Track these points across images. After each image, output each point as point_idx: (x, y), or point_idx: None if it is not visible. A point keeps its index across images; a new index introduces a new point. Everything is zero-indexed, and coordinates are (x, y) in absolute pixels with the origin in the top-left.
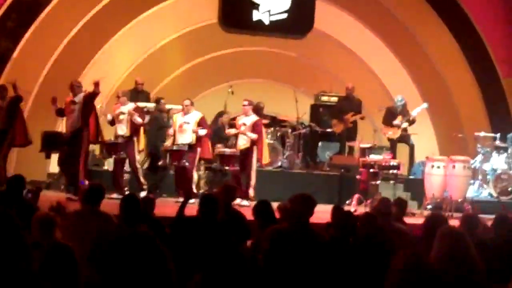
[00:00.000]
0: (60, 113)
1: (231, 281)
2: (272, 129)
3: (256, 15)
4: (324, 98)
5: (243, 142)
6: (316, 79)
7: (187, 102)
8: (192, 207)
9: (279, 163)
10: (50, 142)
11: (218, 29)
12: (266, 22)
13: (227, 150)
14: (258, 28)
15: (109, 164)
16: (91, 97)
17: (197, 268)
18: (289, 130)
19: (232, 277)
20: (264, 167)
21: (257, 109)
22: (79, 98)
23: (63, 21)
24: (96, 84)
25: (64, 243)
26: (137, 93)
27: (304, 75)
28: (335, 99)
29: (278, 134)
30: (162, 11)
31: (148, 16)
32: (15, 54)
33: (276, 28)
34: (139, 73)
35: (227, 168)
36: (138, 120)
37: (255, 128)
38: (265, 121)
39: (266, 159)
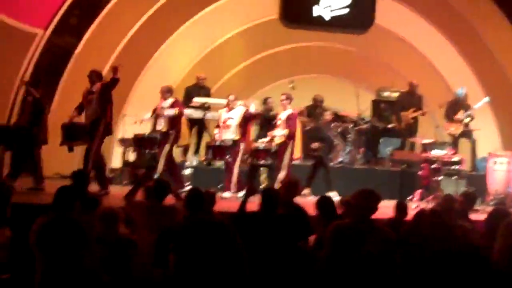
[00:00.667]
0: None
1: (291, 275)
2: (333, 124)
3: (316, 11)
4: (385, 94)
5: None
6: (377, 74)
7: (231, 97)
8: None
9: (341, 159)
10: (70, 134)
11: (279, 24)
12: (327, 18)
13: (261, 145)
14: (319, 23)
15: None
16: (109, 86)
17: (258, 263)
18: (350, 126)
19: (292, 272)
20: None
21: (315, 102)
22: (96, 87)
23: (125, 17)
24: (115, 70)
25: (128, 237)
26: (198, 89)
27: (365, 71)
28: (396, 94)
29: (339, 129)
30: (223, 7)
31: (209, 12)
32: (77, 50)
33: (337, 24)
34: (200, 69)
35: (260, 162)
36: (169, 112)
37: (288, 121)
38: (329, 117)
39: (297, 153)
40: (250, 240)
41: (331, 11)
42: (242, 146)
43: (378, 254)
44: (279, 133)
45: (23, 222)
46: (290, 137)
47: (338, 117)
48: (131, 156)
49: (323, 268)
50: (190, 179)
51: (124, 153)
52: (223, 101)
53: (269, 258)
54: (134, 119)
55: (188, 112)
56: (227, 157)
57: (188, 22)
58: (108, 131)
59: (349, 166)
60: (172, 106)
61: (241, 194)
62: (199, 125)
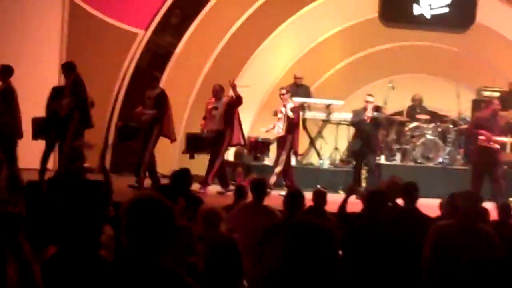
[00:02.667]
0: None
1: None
2: (433, 124)
3: (417, 9)
4: (487, 93)
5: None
6: (478, 73)
7: (283, 91)
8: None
9: (440, 159)
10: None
11: (378, 23)
12: (428, 16)
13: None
14: (419, 22)
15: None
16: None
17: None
18: (450, 126)
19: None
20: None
21: (413, 101)
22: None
23: (225, 16)
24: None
25: (229, 236)
26: (296, 87)
27: (465, 70)
28: (497, 94)
29: (439, 129)
30: (323, 6)
31: (309, 11)
32: (178, 50)
33: (437, 22)
34: (299, 68)
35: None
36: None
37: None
38: (425, 117)
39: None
40: (351, 242)
41: (432, 9)
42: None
43: (483, 254)
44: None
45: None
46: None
47: (437, 117)
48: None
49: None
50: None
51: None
52: (323, 101)
53: (379, 262)
54: None
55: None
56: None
57: (288, 20)
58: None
59: (449, 167)
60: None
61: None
62: None
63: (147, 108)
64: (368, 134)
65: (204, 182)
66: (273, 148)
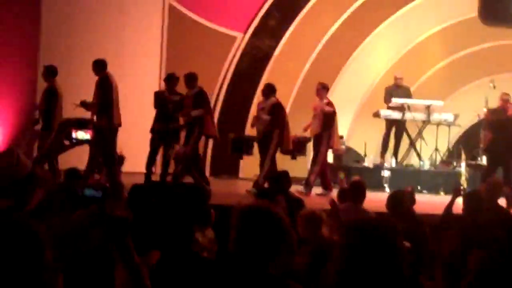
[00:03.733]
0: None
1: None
2: None
3: None
4: None
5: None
6: None
7: (319, 86)
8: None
9: None
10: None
11: (478, 22)
12: None
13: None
14: None
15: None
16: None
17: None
18: None
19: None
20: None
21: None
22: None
23: (323, 18)
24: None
25: (330, 239)
26: (397, 88)
27: None
28: None
29: None
30: (423, 5)
31: (408, 10)
32: (276, 52)
33: None
34: (398, 68)
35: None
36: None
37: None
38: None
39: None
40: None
41: None
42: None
43: None
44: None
45: (223, 224)
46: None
47: None
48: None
49: None
50: (387, 181)
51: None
52: (422, 102)
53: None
54: None
55: (386, 113)
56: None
57: (386, 21)
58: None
59: None
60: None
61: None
62: (397, 126)
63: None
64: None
65: (308, 184)
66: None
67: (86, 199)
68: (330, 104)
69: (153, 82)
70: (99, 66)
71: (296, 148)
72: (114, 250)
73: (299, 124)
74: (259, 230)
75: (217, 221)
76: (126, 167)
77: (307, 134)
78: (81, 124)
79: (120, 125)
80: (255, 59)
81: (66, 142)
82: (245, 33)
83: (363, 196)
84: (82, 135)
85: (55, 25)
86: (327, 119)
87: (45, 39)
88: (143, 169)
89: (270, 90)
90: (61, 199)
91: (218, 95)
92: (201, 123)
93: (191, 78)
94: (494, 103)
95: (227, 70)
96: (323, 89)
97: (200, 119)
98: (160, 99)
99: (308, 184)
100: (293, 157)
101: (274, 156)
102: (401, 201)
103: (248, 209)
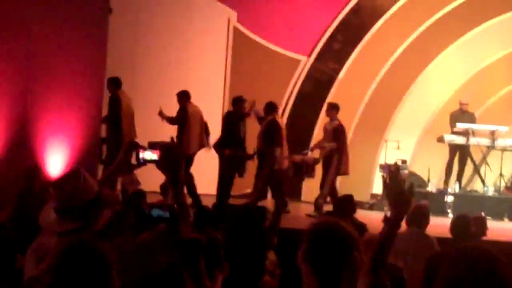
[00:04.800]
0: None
1: None
2: None
3: None
4: None
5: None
6: None
7: (328, 106)
8: None
9: None
10: (300, 169)
11: None
12: None
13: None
14: None
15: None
16: (341, 133)
17: None
18: None
19: None
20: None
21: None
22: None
23: (388, 42)
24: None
25: (393, 264)
26: (462, 114)
27: None
28: None
29: None
30: (489, 30)
31: (474, 35)
32: (340, 76)
33: None
34: (463, 93)
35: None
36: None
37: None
38: None
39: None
40: None
41: None
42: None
43: None
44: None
45: (287, 247)
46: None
47: None
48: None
49: None
50: (450, 206)
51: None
52: (487, 127)
53: None
54: (395, 145)
55: (451, 138)
56: None
57: (452, 45)
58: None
59: None
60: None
61: None
62: (461, 152)
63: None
64: None
65: None
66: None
67: (153, 219)
68: (340, 125)
69: (217, 104)
70: (112, 84)
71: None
72: (185, 273)
73: (361, 147)
74: (331, 245)
75: (278, 244)
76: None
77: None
78: (150, 144)
79: (134, 140)
80: (318, 82)
81: (133, 162)
82: (309, 56)
83: (426, 221)
84: (149, 155)
85: (121, 43)
86: (337, 140)
87: (111, 59)
88: (205, 190)
89: (332, 107)
90: (128, 219)
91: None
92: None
93: (332, 107)
94: None
95: (291, 93)
96: (333, 109)
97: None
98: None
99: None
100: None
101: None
102: (466, 227)
103: (322, 225)
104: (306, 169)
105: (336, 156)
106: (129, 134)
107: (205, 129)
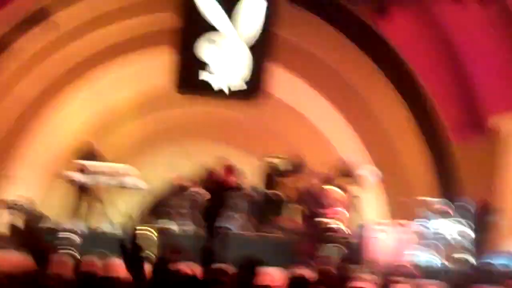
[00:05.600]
0: None
1: None
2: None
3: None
4: (272, 161)
5: None
6: (264, 141)
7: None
8: None
9: None
10: None
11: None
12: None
13: None
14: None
15: None
16: None
17: None
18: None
19: None
20: None
21: None
22: None
23: None
24: None
25: None
26: (90, 154)
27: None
28: (282, 162)
29: None
30: (113, 69)
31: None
32: None
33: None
34: (88, 130)
35: None
36: None
37: None
38: None
39: None
40: None
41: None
42: None
43: None
44: None
45: None
46: None
47: None
48: None
49: None
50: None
51: None
52: (114, 165)
53: None
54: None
55: (75, 176)
56: None
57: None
58: None
59: None
60: None
61: None
62: (85, 190)
63: None
64: None
65: None
66: None
67: None
68: None
69: None
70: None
71: None
72: None
73: None
74: None
75: None
76: None
77: None
78: None
79: None
80: None
81: None
82: None
83: None
84: None
85: None
86: None
87: None
88: None
89: None
90: None
91: None
92: None
93: None
94: None
95: None
96: None
97: None
98: None
99: None
100: None
101: None
102: None
103: None
104: None
105: None
106: None
107: None
